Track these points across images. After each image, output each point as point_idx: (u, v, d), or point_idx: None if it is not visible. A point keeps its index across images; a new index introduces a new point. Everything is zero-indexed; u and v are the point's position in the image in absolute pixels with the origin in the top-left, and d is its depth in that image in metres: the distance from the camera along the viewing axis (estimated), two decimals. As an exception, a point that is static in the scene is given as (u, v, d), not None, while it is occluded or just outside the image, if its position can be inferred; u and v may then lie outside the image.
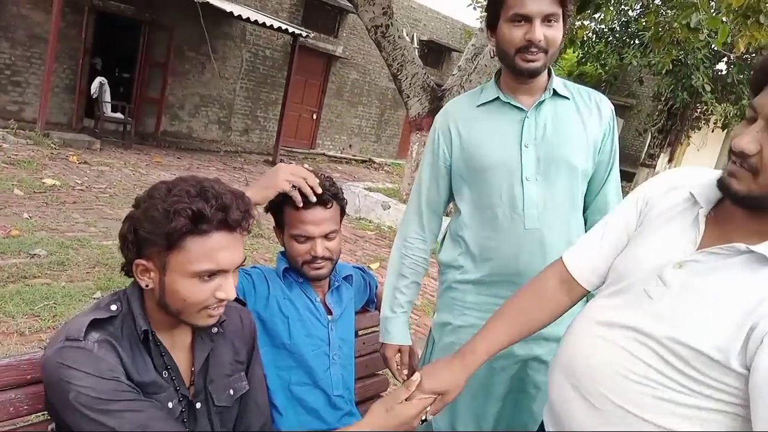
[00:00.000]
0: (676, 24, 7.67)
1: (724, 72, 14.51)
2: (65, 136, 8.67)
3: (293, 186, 1.41)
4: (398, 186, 8.81)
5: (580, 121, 1.56)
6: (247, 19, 10.02)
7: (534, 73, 1.50)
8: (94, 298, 3.56)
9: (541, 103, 1.55)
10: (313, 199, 1.43)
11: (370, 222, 7.59)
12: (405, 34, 7.94)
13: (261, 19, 10.16)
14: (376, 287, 1.92)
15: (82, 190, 6.24)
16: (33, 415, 1.17)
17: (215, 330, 1.22)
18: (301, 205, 1.43)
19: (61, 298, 3.43)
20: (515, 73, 1.51)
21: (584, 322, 1.15)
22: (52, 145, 8.13)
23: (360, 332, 1.87)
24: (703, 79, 13.09)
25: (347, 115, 15.30)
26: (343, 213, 1.57)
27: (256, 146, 12.99)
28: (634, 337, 1.03)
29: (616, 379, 1.03)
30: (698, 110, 15.15)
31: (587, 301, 1.25)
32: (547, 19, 1.44)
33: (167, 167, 8.72)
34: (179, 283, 1.06)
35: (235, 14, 9.57)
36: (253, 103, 12.87)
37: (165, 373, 1.14)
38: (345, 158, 14.73)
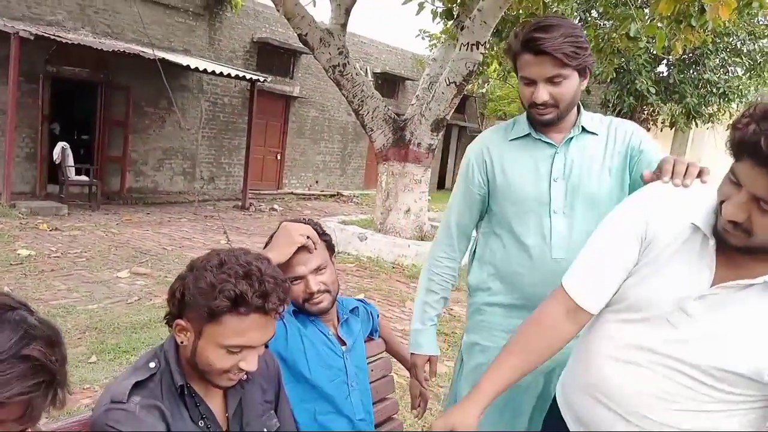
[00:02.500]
0: (615, 35, 8.10)
1: (665, 74, 15.20)
2: (32, 204, 8.59)
3: (308, 237, 1.59)
4: (371, 216, 8.94)
5: (605, 154, 1.64)
6: (204, 71, 10.16)
7: (548, 124, 1.62)
8: (90, 363, 3.57)
9: (570, 139, 1.65)
10: (316, 248, 1.61)
11: (349, 255, 7.68)
12: (361, 70, 8.18)
13: (218, 69, 10.31)
14: (377, 316, 2.04)
15: (57, 257, 6.20)
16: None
17: (244, 376, 1.32)
18: (313, 251, 1.60)
19: (57, 366, 3.42)
20: (534, 122, 1.65)
21: (605, 346, 1.26)
22: (19, 215, 8.05)
23: (368, 359, 1.97)
24: (647, 83, 13.69)
25: (311, 153, 15.47)
26: (330, 247, 1.70)
27: (223, 193, 13.02)
28: (661, 361, 1.17)
29: (653, 401, 1.18)
30: (645, 112, 15.73)
31: None
32: (551, 80, 1.54)
33: (138, 224, 8.69)
34: (209, 350, 1.19)
35: (192, 67, 9.71)
36: (216, 151, 12.95)
37: (201, 423, 1.25)
38: (313, 194, 14.87)
